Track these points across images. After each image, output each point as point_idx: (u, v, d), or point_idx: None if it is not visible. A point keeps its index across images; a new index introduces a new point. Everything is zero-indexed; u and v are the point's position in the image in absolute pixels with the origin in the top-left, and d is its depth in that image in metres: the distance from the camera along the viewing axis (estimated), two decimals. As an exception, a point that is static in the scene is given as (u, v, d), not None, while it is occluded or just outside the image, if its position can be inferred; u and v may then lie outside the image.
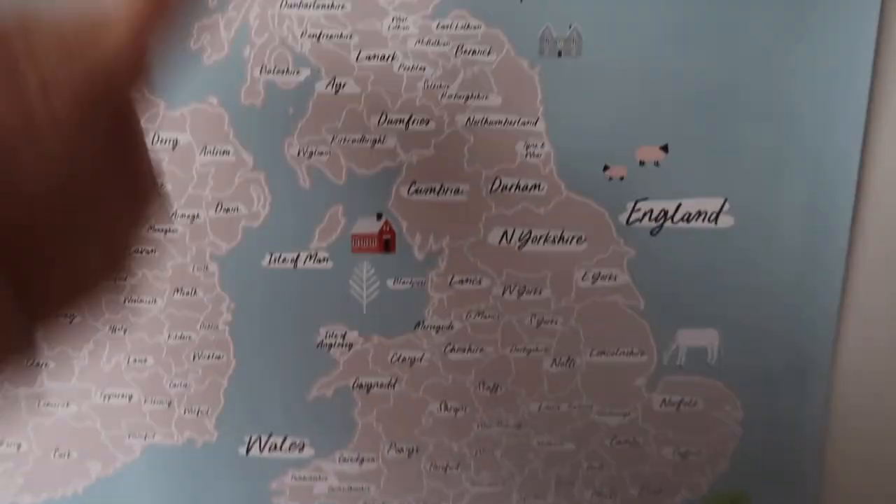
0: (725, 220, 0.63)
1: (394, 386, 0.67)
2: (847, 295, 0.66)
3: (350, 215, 0.63)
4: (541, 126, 0.61)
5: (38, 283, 0.27)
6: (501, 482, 0.70)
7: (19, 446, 0.68)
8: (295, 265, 0.64)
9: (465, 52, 0.59)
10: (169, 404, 0.68)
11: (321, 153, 0.61)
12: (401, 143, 0.61)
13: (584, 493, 0.70)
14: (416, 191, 0.62)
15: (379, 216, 0.63)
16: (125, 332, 0.66)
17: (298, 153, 0.61)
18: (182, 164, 0.62)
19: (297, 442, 0.68)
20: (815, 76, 0.60)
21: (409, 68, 0.60)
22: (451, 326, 0.66)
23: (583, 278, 0.65)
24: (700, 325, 0.66)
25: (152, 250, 0.63)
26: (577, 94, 0.60)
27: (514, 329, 0.66)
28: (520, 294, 0.65)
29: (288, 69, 0.60)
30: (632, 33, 0.59)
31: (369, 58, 0.60)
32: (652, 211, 0.63)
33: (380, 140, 0.61)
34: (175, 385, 0.67)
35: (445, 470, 0.69)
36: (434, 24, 0.59)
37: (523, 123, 0.61)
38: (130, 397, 0.67)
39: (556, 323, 0.66)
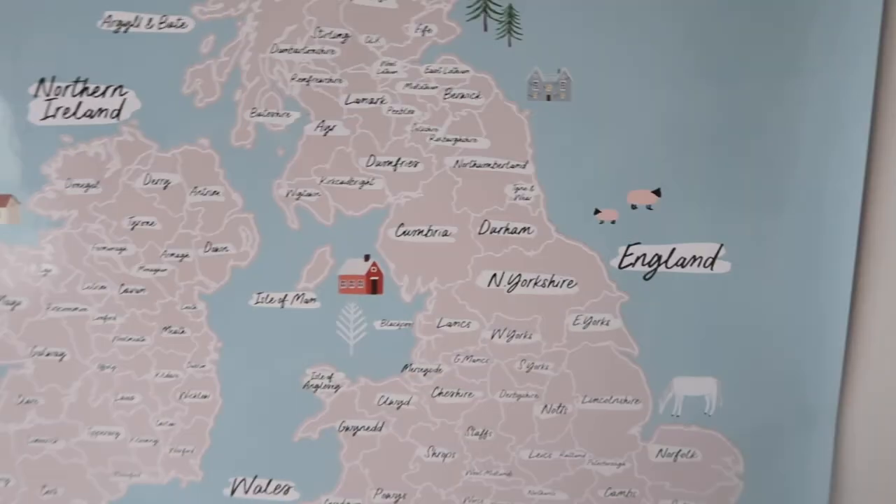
0: (722, 266, 0.63)
1: (380, 429, 0.67)
2: (853, 340, 0.64)
3: (338, 256, 0.64)
4: (530, 169, 0.62)
5: None
6: (491, 532, 0.69)
7: (7, 482, 0.70)
8: (282, 305, 0.65)
9: (454, 95, 0.61)
10: (155, 442, 0.68)
11: (310, 194, 0.63)
12: (389, 184, 0.62)
13: (578, 546, 0.69)
14: (404, 232, 0.63)
15: (366, 257, 0.64)
16: (113, 369, 0.67)
17: (287, 194, 0.63)
18: (172, 204, 0.63)
19: (283, 485, 0.69)
20: (812, 119, 0.60)
21: (397, 111, 0.61)
22: (438, 369, 0.66)
23: (574, 323, 0.65)
24: (697, 372, 0.65)
25: (142, 290, 0.65)
26: (567, 137, 0.61)
27: (504, 373, 0.66)
28: (509, 338, 0.65)
29: (278, 112, 0.62)
30: (622, 76, 0.60)
31: (358, 101, 0.61)
32: (645, 255, 0.63)
33: (368, 182, 0.63)
34: (161, 423, 0.68)
35: (433, 517, 0.69)
36: (422, 69, 0.60)
37: (512, 166, 0.62)
38: (117, 434, 0.68)
39: (546, 368, 0.66)
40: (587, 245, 0.63)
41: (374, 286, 0.64)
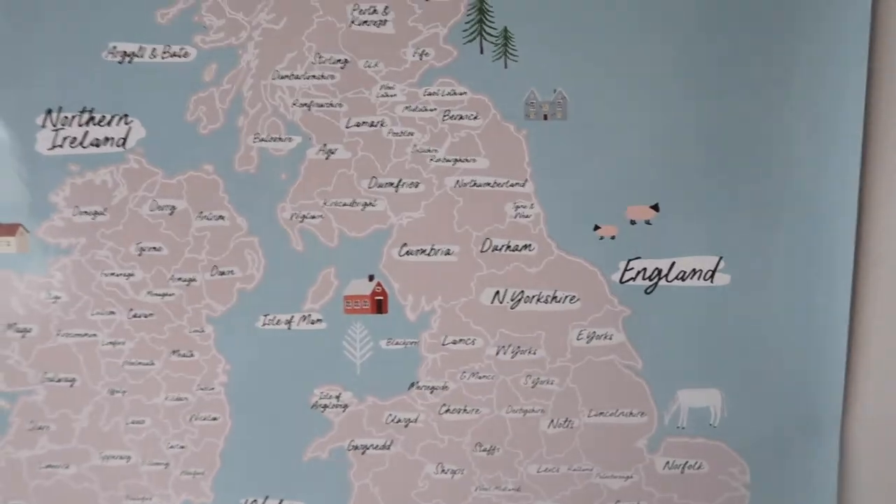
0: (721, 278, 0.65)
1: (389, 447, 0.69)
2: (854, 348, 0.66)
3: (342, 277, 0.66)
4: (529, 187, 0.64)
5: None
6: (501, 547, 0.71)
7: (20, 508, 0.71)
8: (289, 326, 0.67)
9: (452, 117, 0.63)
10: (166, 465, 0.70)
11: (313, 217, 0.65)
12: (391, 205, 0.65)
13: (587, 560, 0.71)
14: (408, 252, 0.65)
15: (371, 278, 0.66)
16: (123, 393, 0.69)
17: (291, 217, 0.65)
18: (179, 229, 0.66)
19: (293, 504, 0.70)
20: (805, 130, 0.62)
21: (397, 133, 0.63)
22: (445, 387, 0.68)
23: (578, 337, 0.66)
24: (701, 384, 0.67)
25: (150, 314, 0.67)
26: (565, 155, 0.63)
27: (510, 389, 0.68)
28: (514, 354, 0.67)
29: (280, 137, 0.64)
30: (617, 94, 0.62)
31: (358, 124, 0.63)
32: (645, 269, 0.65)
33: (370, 203, 0.65)
34: (172, 446, 0.70)
35: (443, 534, 0.71)
36: (421, 91, 0.63)
37: (511, 185, 0.64)
38: (128, 458, 0.70)
39: (552, 383, 0.68)
40: (588, 261, 0.65)
41: (380, 306, 0.66)
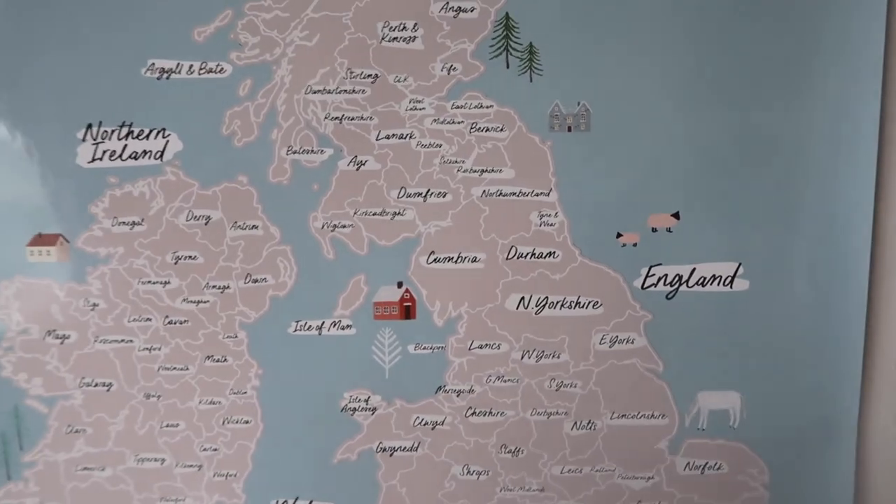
0: (740, 284, 0.68)
1: (416, 449, 0.72)
2: (872, 351, 0.69)
3: (372, 284, 0.69)
4: (553, 196, 0.67)
5: None
6: (525, 547, 0.74)
7: (57, 509, 0.75)
8: (320, 332, 0.70)
9: (479, 129, 0.66)
10: (199, 467, 0.74)
11: (344, 226, 0.68)
12: (419, 215, 0.68)
13: (610, 559, 0.74)
14: (435, 260, 0.68)
15: (399, 284, 0.69)
16: (158, 398, 0.72)
17: (323, 226, 0.68)
18: (214, 238, 0.69)
19: (323, 505, 0.73)
20: (821, 137, 0.65)
21: (426, 145, 0.67)
22: (471, 390, 0.71)
23: (600, 342, 0.69)
24: (720, 387, 0.70)
25: (185, 321, 0.70)
26: (588, 165, 0.66)
27: (534, 392, 0.71)
28: (538, 358, 0.70)
29: (312, 149, 0.67)
30: (638, 106, 0.65)
31: (388, 137, 0.67)
32: (666, 276, 0.68)
33: (399, 213, 0.68)
34: (205, 449, 0.73)
35: (469, 534, 0.74)
36: (449, 105, 0.66)
37: (536, 194, 0.67)
38: (163, 461, 0.74)
39: (575, 386, 0.71)
40: (610, 267, 0.68)
41: (408, 312, 0.69)
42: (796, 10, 0.63)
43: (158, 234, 0.69)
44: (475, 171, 0.67)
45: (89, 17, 0.65)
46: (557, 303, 0.69)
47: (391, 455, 0.73)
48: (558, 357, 0.70)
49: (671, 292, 0.68)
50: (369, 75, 0.66)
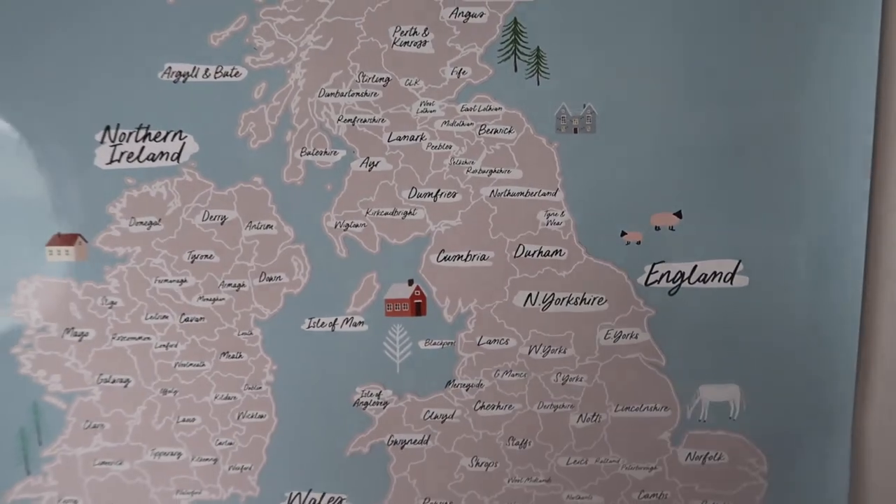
0: (740, 280, 0.71)
1: (427, 442, 0.75)
2: (867, 345, 0.72)
3: (383, 282, 0.72)
4: (560, 196, 0.70)
5: None
6: (532, 536, 0.77)
7: (76, 503, 0.77)
8: (332, 328, 0.73)
9: (488, 131, 0.69)
10: (215, 461, 0.76)
11: (356, 225, 0.71)
12: (430, 214, 0.71)
13: (614, 547, 0.77)
14: (445, 258, 0.71)
15: (410, 282, 0.72)
16: (175, 393, 0.75)
17: (336, 226, 0.71)
18: (229, 238, 0.72)
19: (336, 497, 0.77)
20: (818, 136, 0.68)
21: (436, 147, 0.69)
22: (480, 384, 0.74)
23: (605, 337, 0.73)
24: (721, 380, 0.73)
25: (201, 318, 0.73)
26: (593, 166, 0.69)
27: (541, 386, 0.74)
28: (545, 353, 0.73)
29: (326, 150, 0.70)
30: (642, 109, 0.68)
31: (400, 138, 0.69)
32: (669, 273, 0.71)
33: (410, 212, 0.71)
34: (221, 443, 0.76)
35: (477, 524, 0.77)
36: (458, 107, 0.69)
37: (543, 194, 0.70)
38: (179, 455, 0.76)
39: (580, 380, 0.74)
40: (615, 265, 0.71)
41: (418, 308, 0.72)
42: (794, 14, 0.67)
43: (175, 234, 0.72)
44: (484, 172, 0.70)
45: (108, 22, 0.68)
46: (564, 299, 0.72)
47: (402, 448, 0.76)
48: (564, 352, 0.73)
49: (673, 289, 0.71)
50: (381, 79, 0.69)
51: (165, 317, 0.74)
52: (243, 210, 0.71)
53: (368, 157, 0.70)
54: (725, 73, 0.68)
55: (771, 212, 0.70)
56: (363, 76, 0.69)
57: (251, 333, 0.74)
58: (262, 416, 0.75)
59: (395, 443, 0.76)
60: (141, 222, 0.72)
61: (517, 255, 0.71)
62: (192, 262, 0.72)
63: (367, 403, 0.75)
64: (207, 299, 0.73)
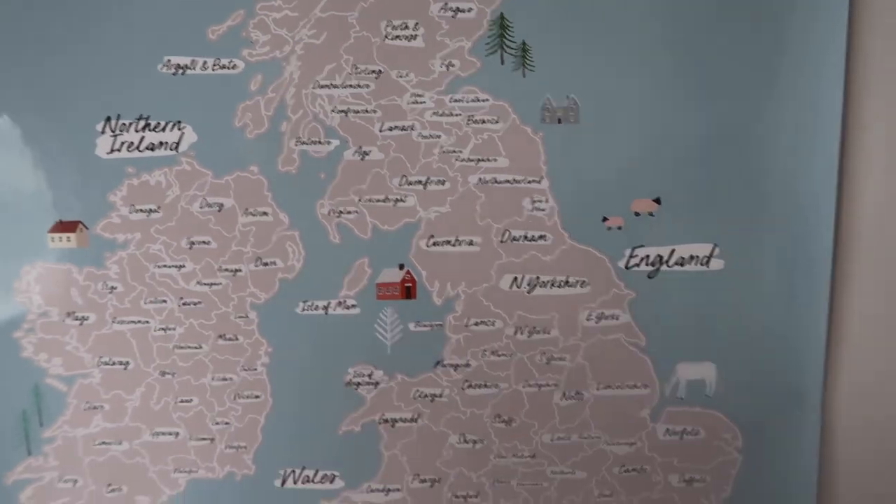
0: (716, 263, 0.75)
1: (416, 420, 0.79)
2: (836, 326, 0.77)
3: (375, 266, 0.76)
4: (544, 184, 0.74)
5: None
6: (518, 510, 0.81)
7: (76, 482, 0.81)
8: (326, 312, 0.77)
9: (476, 121, 0.73)
10: (212, 440, 0.80)
11: (349, 212, 0.75)
12: (420, 201, 0.74)
13: (597, 520, 0.81)
14: (434, 243, 0.75)
15: (401, 266, 0.76)
16: (173, 375, 0.78)
17: (329, 213, 0.75)
18: (226, 224, 0.75)
19: (328, 474, 0.80)
20: (788, 129, 0.73)
21: (426, 136, 0.73)
22: (468, 364, 0.78)
23: (587, 318, 0.77)
24: (697, 358, 0.78)
25: (199, 302, 0.76)
26: (577, 155, 0.73)
27: (526, 366, 0.78)
28: (530, 334, 0.77)
29: (320, 140, 0.73)
30: (623, 100, 0.72)
31: (391, 128, 0.73)
32: (648, 256, 0.75)
33: (401, 199, 0.74)
34: (217, 423, 0.80)
35: (466, 499, 0.81)
36: (447, 98, 0.72)
37: (529, 182, 0.74)
38: (177, 434, 0.80)
39: (564, 360, 0.78)
40: (597, 249, 0.75)
41: (409, 292, 0.76)
42: (766, 12, 0.71)
43: (174, 221, 0.75)
44: (472, 161, 0.74)
45: (109, 16, 0.71)
46: (548, 282, 0.76)
47: (393, 426, 0.80)
48: (549, 333, 0.77)
49: (653, 272, 0.76)
50: (373, 71, 0.72)
51: (164, 301, 0.77)
52: (240, 198, 0.75)
53: (361, 147, 0.74)
54: (704, 68, 0.72)
55: (744, 198, 0.74)
56: (356, 69, 0.72)
57: (247, 317, 0.77)
58: (257, 397, 0.79)
59: (386, 421, 0.79)
60: (141, 210, 0.75)
61: (503, 240, 0.75)
62: (191, 248, 0.76)
63: (358, 384, 0.79)
64: (205, 284, 0.77)
